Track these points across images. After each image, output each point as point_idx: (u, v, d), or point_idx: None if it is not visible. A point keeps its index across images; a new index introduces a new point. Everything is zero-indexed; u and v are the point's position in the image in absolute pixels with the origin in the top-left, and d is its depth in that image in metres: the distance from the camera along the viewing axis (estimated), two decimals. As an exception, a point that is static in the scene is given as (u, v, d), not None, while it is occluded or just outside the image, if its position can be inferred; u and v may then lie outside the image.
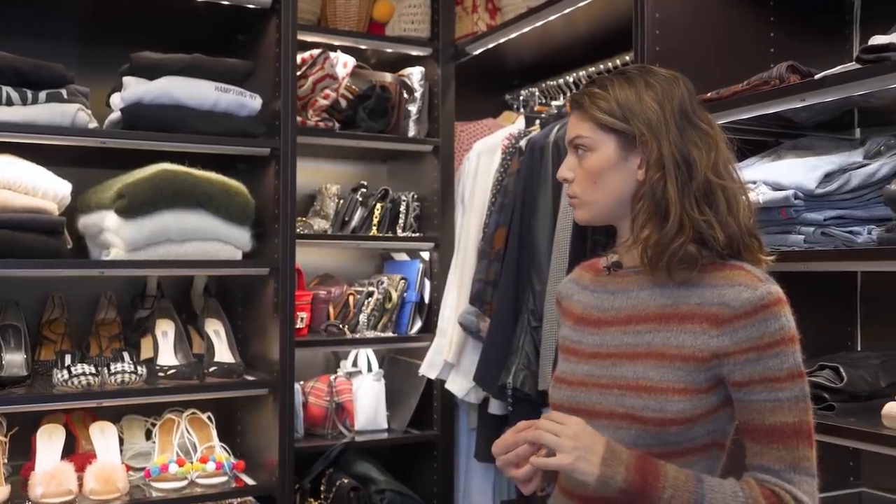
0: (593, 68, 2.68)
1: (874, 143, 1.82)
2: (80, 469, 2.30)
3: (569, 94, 2.79)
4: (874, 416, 1.64)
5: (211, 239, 2.40)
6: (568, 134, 1.44)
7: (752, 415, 1.28)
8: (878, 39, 1.60)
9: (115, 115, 2.36)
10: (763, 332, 1.27)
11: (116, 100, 2.36)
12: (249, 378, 2.51)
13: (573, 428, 1.26)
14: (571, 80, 2.79)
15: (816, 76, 1.72)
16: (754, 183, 1.88)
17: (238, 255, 2.46)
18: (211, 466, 2.39)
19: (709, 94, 1.95)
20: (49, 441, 2.37)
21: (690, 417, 1.30)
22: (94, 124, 2.30)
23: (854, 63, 1.65)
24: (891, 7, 1.73)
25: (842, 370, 1.76)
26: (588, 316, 1.47)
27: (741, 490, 1.25)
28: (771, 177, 1.86)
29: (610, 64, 2.62)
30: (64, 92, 2.27)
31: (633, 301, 1.40)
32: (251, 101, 2.46)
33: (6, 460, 2.29)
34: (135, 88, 2.33)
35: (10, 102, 2.19)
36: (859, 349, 2.22)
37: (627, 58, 2.54)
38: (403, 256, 3.18)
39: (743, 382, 1.28)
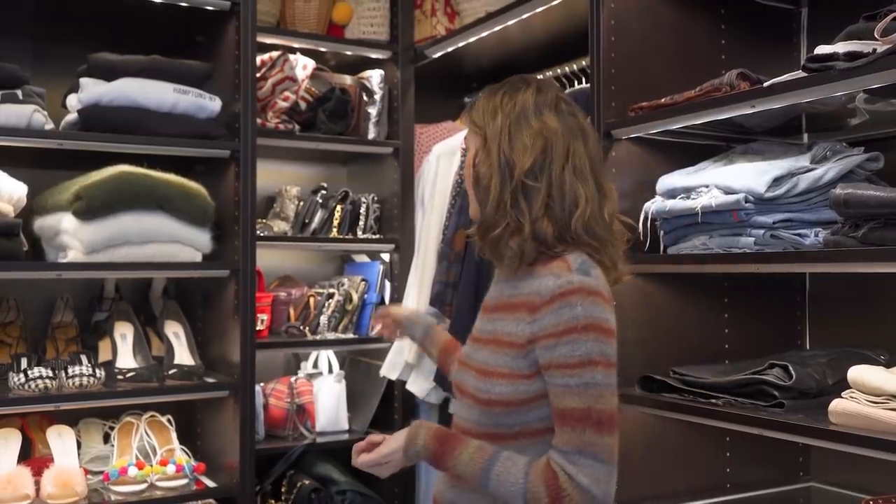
0: (550, 72, 2.72)
1: (820, 148, 1.87)
2: (37, 473, 2.28)
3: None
4: (822, 413, 1.68)
5: (170, 241, 2.39)
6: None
7: (552, 397, 1.37)
8: (823, 49, 1.66)
9: (72, 116, 2.34)
10: (559, 320, 1.35)
11: (73, 101, 2.34)
12: (209, 380, 2.50)
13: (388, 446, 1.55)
14: (530, 83, 2.82)
15: (765, 84, 1.77)
16: (707, 186, 1.93)
17: (198, 257, 2.46)
18: (171, 469, 2.39)
19: (663, 100, 2.00)
20: (4, 445, 2.33)
21: (512, 401, 1.40)
22: (50, 125, 2.28)
23: (801, 71, 1.70)
24: (836, 18, 1.78)
25: (791, 368, 1.80)
26: (483, 305, 1.60)
27: (524, 475, 1.34)
28: (723, 180, 1.90)
29: (567, 68, 2.66)
30: (19, 93, 2.24)
31: (496, 292, 1.55)
32: (210, 103, 2.46)
33: (-40, 466, 2.26)
34: (92, 90, 2.31)
35: (-37, 104, 2.16)
36: (808, 348, 2.28)
37: (584, 62, 2.58)
38: (364, 258, 3.19)
39: (544, 366, 1.37)
